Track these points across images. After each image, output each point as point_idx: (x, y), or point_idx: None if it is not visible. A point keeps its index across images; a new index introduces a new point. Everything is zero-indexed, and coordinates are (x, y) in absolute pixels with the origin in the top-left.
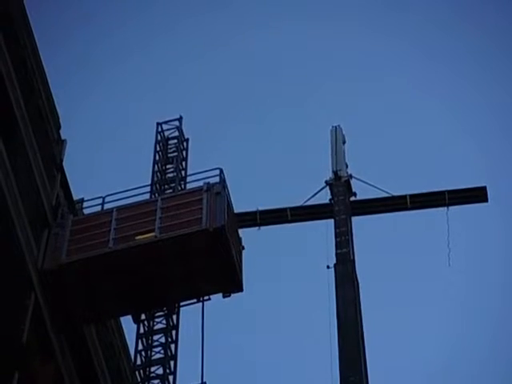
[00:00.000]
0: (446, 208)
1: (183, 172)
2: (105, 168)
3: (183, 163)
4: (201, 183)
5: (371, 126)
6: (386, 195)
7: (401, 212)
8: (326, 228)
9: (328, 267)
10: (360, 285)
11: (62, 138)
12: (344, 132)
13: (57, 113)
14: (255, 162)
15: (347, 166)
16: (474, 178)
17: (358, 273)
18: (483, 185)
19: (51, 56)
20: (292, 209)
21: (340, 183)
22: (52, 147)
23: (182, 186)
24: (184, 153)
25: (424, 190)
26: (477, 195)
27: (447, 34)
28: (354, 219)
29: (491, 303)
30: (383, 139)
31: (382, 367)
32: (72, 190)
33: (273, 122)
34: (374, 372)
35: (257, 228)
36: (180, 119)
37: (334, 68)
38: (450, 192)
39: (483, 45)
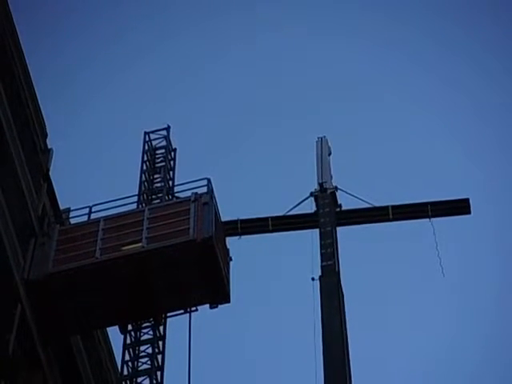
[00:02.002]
0: (429, 219)
1: (171, 182)
2: (92, 177)
3: (171, 173)
4: (188, 193)
5: (359, 137)
6: (369, 206)
7: (384, 223)
8: (311, 237)
9: (313, 279)
10: (354, 287)
11: (49, 147)
12: (330, 144)
13: (43, 122)
14: (243, 173)
15: (332, 178)
16: (461, 189)
17: (352, 274)
18: (466, 197)
19: (39, 66)
20: (273, 218)
21: (326, 195)
22: (39, 156)
23: (170, 196)
24: (172, 163)
25: (411, 201)
26: (460, 207)
27: (442, 47)
28: (342, 228)
29: (484, 308)
30: (371, 150)
31: (373, 374)
32: (59, 199)
33: (260, 133)
34: (366, 380)
35: (237, 237)
36: (168, 129)
37: (326, 83)
38: (432, 204)
39: (474, 57)
